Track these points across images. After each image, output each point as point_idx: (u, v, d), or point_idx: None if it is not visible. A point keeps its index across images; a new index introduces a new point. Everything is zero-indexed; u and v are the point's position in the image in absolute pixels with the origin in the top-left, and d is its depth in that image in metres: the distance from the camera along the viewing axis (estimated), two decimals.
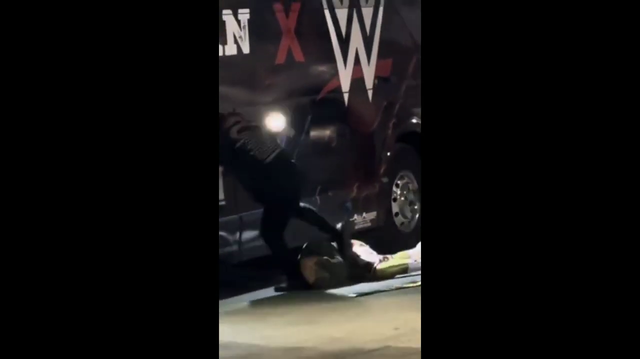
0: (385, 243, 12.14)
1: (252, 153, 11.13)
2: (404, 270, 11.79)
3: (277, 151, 11.36)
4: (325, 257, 11.57)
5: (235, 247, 11.46)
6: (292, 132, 11.93)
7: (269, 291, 11.50)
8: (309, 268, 11.52)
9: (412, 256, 11.97)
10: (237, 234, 11.42)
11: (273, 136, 11.64)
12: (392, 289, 11.21)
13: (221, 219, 10.65)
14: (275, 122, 11.68)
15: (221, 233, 11.14)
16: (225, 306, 10.55)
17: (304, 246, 11.61)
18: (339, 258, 11.68)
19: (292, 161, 11.50)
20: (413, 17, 13.02)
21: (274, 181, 11.20)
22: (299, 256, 11.56)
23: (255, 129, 11.40)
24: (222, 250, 11.15)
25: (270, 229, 11.38)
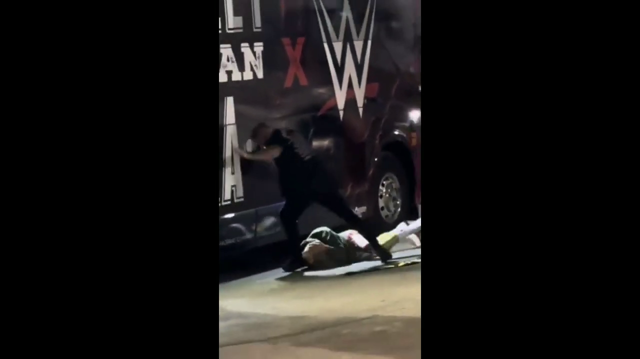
0: (373, 231, 12.12)
1: (296, 151, 11.50)
2: (396, 240, 12.16)
3: (312, 154, 11.73)
4: (329, 246, 11.85)
5: (251, 236, 11.66)
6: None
7: (279, 271, 11.61)
8: (313, 253, 11.79)
9: (398, 227, 12.36)
10: (253, 225, 11.63)
11: (307, 143, 12.02)
12: (378, 269, 11.50)
13: (240, 213, 11.31)
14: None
15: (239, 224, 11.52)
16: (241, 284, 11.06)
17: (311, 233, 11.88)
18: (340, 246, 11.90)
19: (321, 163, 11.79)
20: (395, 49, 13.56)
21: (307, 175, 11.50)
22: (305, 241, 11.83)
23: (298, 134, 11.82)
24: (240, 238, 11.52)
25: (289, 215, 11.62)
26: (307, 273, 11.66)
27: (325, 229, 12.02)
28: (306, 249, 11.87)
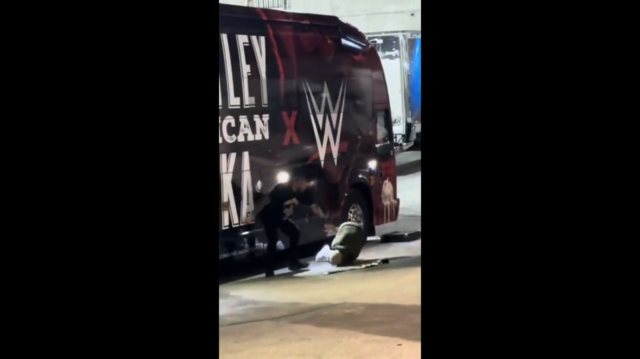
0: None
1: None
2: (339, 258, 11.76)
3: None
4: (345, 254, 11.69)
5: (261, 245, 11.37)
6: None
7: (285, 270, 11.50)
8: (335, 260, 11.62)
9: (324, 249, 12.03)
10: (262, 240, 11.42)
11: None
12: (348, 270, 11.33)
13: (253, 230, 11.26)
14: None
15: (254, 237, 11.36)
16: (254, 279, 10.94)
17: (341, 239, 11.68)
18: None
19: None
20: (359, 119, 13.51)
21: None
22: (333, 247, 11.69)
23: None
24: (254, 247, 11.35)
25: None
26: (298, 274, 11.50)
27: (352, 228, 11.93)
28: (331, 256, 11.82)
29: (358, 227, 12.30)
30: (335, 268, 11.64)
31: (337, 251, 11.88)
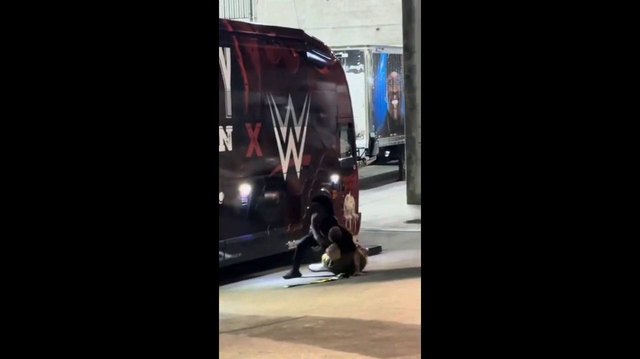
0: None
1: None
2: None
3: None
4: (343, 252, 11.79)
5: (221, 259, 11.14)
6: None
7: (280, 279, 11.63)
8: (332, 256, 11.74)
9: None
10: (222, 252, 11.22)
11: None
12: (308, 284, 11.41)
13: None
14: None
15: None
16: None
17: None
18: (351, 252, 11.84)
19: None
20: (323, 132, 13.59)
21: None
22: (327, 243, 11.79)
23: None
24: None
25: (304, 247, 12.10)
26: (256, 285, 11.49)
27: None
28: (327, 250, 11.84)
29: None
30: (295, 281, 11.65)
31: (334, 245, 11.85)
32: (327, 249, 11.93)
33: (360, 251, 12.07)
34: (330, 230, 12.12)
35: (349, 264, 11.88)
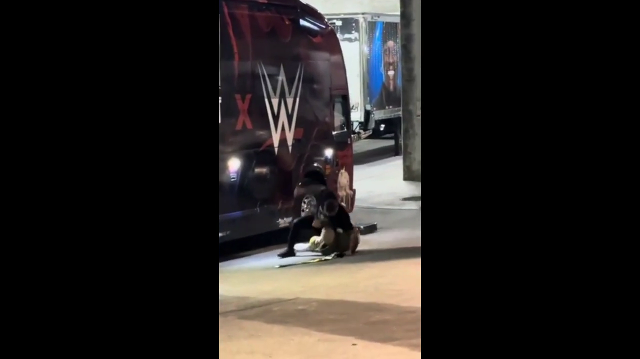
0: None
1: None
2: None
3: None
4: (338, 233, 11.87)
5: None
6: None
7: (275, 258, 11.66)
8: (326, 238, 11.83)
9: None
10: None
11: None
12: (300, 264, 11.43)
13: None
14: None
15: None
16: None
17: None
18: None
19: None
20: (316, 104, 13.56)
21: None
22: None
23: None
24: None
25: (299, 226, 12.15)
26: (246, 265, 11.50)
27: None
28: (323, 232, 11.88)
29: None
30: (287, 261, 11.66)
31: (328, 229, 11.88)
32: (322, 231, 11.95)
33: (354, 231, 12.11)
34: (327, 201, 12.09)
35: (344, 246, 11.91)
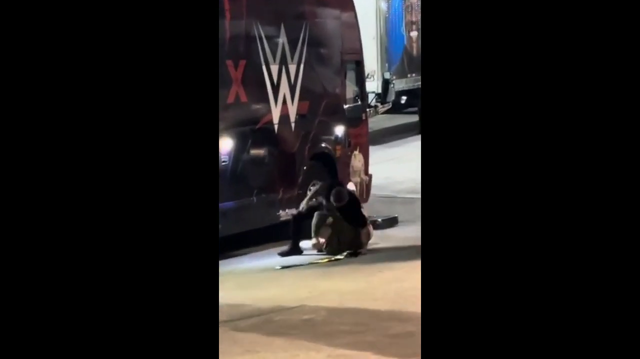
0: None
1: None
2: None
3: None
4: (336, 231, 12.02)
5: None
6: None
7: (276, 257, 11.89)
8: (324, 237, 12.02)
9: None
10: None
11: None
12: (306, 264, 11.52)
13: None
14: None
15: None
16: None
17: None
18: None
19: None
20: (324, 72, 13.65)
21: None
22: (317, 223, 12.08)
23: None
24: None
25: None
26: (241, 266, 11.61)
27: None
28: (319, 232, 12.04)
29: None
30: (290, 261, 11.72)
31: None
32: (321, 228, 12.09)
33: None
34: (335, 189, 12.15)
35: (355, 243, 11.98)
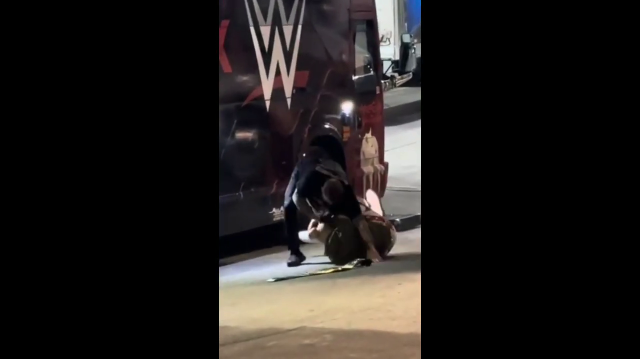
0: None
1: None
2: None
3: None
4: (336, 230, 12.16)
5: None
6: None
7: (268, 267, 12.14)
8: (320, 237, 12.21)
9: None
10: None
11: None
12: (306, 275, 11.59)
13: None
14: None
15: None
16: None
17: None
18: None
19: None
20: (328, 35, 13.72)
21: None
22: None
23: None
24: None
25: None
26: (225, 278, 11.51)
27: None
28: (316, 229, 12.28)
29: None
30: (285, 273, 11.82)
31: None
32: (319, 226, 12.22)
33: (379, 222, 12.27)
34: (327, 184, 12.15)
35: (354, 244, 12.08)
